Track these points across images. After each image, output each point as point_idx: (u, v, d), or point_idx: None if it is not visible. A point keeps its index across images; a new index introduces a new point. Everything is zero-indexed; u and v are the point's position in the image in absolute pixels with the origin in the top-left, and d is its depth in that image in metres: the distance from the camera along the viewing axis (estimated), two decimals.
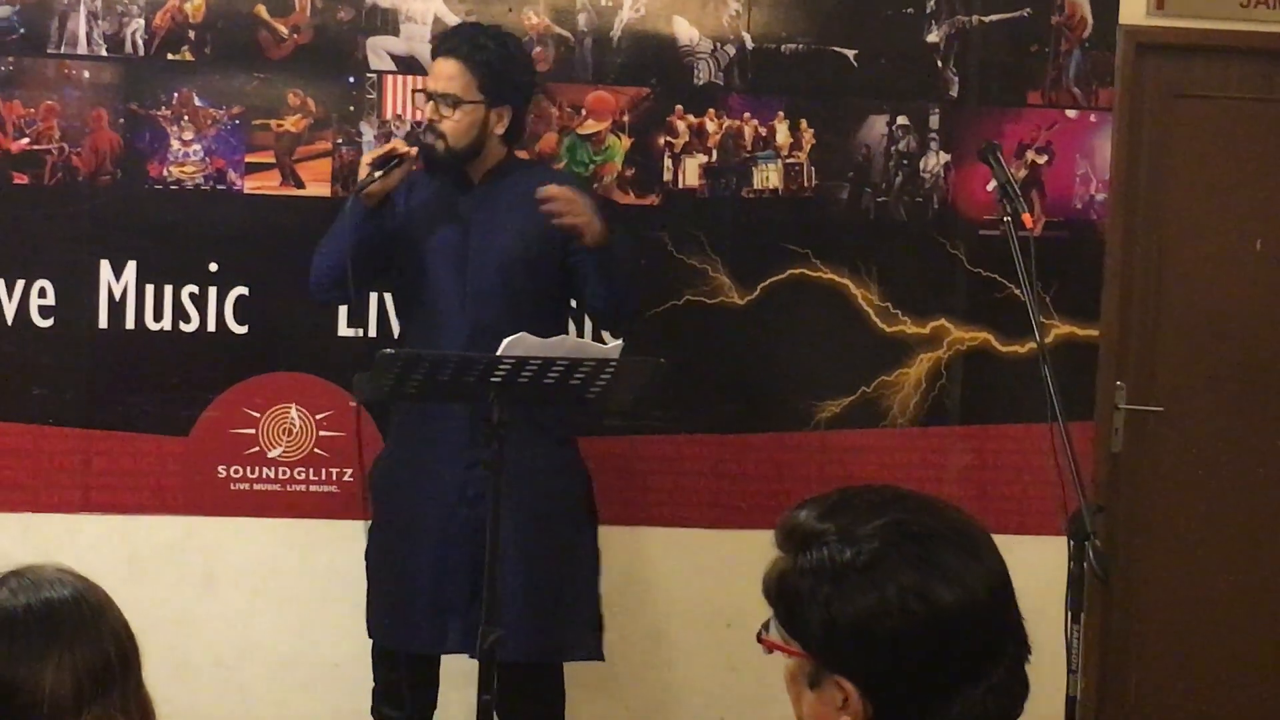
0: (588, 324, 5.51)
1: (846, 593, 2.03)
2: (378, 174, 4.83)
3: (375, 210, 4.88)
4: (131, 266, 5.47)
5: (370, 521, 5.09)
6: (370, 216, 4.86)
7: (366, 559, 5.08)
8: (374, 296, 5.46)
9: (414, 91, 5.32)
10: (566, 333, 5.13)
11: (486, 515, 4.68)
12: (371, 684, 5.10)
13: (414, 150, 4.87)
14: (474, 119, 4.92)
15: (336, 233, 4.93)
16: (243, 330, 5.53)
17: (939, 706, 2.02)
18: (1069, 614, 4.34)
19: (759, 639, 2.12)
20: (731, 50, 5.67)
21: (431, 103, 4.93)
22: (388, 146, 4.95)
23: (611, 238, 4.84)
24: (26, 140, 5.43)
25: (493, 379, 4.45)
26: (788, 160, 5.71)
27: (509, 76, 4.97)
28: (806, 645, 2.07)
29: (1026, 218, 4.73)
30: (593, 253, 4.84)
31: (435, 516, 4.91)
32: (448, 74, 4.92)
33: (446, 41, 5.05)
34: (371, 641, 5.09)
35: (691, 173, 5.68)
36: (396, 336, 5.35)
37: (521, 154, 5.28)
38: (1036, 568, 5.06)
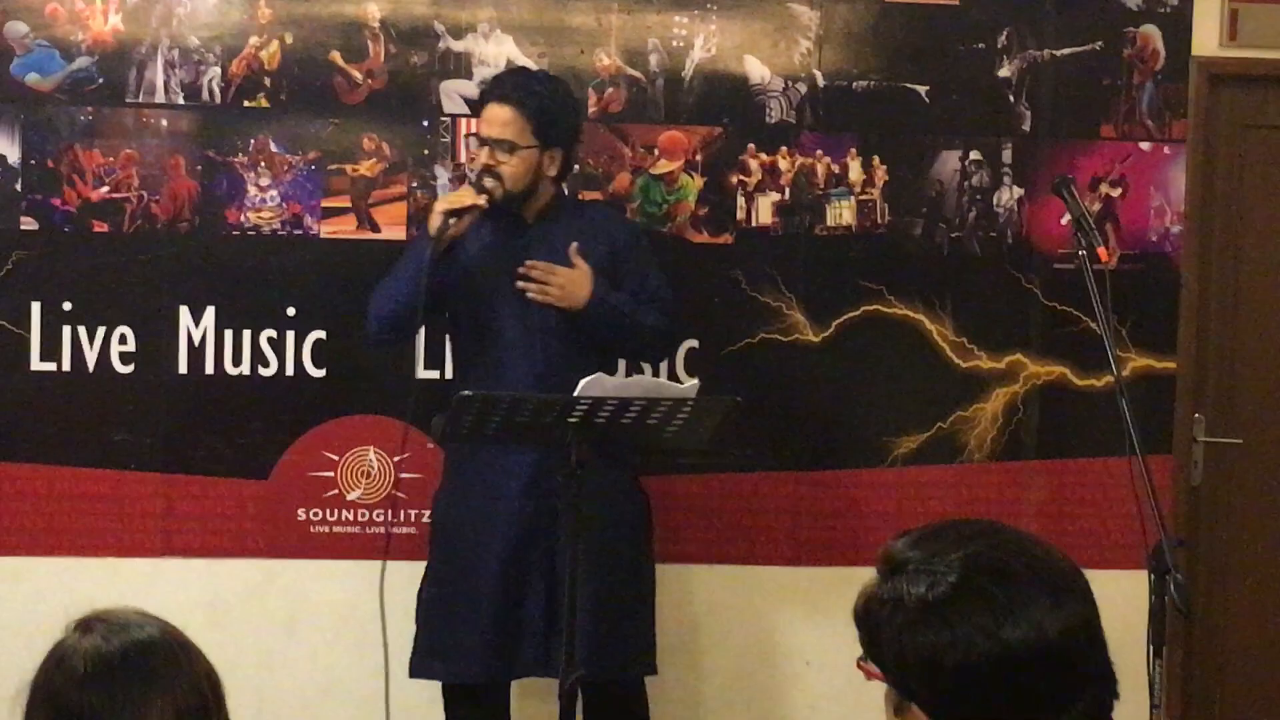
0: (663, 363, 5.55)
1: (917, 624, 2.05)
2: (452, 221, 4.90)
3: (444, 255, 4.94)
4: (210, 312, 5.52)
5: (428, 560, 5.15)
6: (440, 261, 4.92)
7: (421, 597, 5.13)
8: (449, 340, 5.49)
9: (466, 136, 5.36)
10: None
11: (558, 544, 4.87)
12: None
13: (483, 199, 4.93)
14: (529, 163, 5.00)
15: (401, 277, 5.02)
16: (321, 373, 5.56)
17: None
18: (1151, 649, 4.31)
19: (859, 665, 2.13)
20: (803, 88, 5.68)
21: (486, 148, 4.99)
22: (464, 198, 4.98)
23: (591, 302, 4.98)
24: (106, 188, 5.49)
25: (570, 419, 4.47)
26: (861, 197, 5.71)
27: (560, 120, 5.05)
28: (884, 671, 2.08)
29: (1102, 251, 4.73)
30: (578, 315, 4.99)
31: (506, 548, 4.95)
32: (502, 120, 4.99)
33: (499, 87, 5.11)
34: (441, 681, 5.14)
35: (765, 211, 5.69)
36: (452, 379, 5.36)
37: (591, 195, 5.34)
38: (1117, 602, 5.02)
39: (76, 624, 2.38)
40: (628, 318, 5.03)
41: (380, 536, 5.53)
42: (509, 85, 5.09)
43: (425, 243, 4.96)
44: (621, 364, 5.46)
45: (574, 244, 4.99)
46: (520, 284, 4.98)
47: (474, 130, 5.17)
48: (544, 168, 5.04)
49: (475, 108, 5.24)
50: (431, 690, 5.24)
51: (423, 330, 5.30)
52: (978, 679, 2.01)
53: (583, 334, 5.01)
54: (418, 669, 5.12)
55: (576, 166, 5.41)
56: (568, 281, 4.97)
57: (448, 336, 5.36)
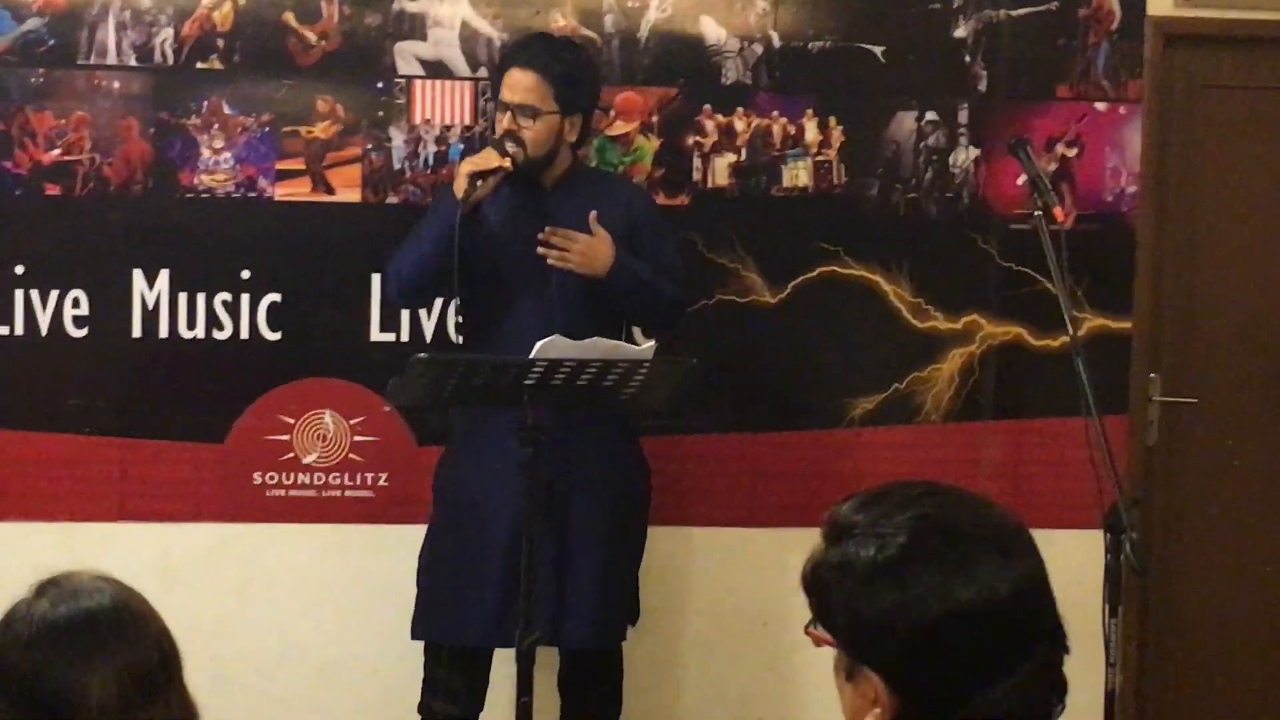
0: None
1: (867, 587, 2.05)
2: (479, 183, 4.90)
3: (469, 217, 4.93)
4: (164, 275, 5.49)
5: (430, 521, 5.15)
6: (466, 223, 4.91)
7: (423, 558, 5.13)
8: None
9: (485, 101, 5.32)
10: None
11: (570, 509, 4.93)
12: (410, 685, 5.13)
13: (508, 161, 4.92)
14: (551, 128, 5.01)
15: (425, 239, 5.01)
16: (276, 337, 5.54)
17: (962, 702, 2.02)
18: (1107, 608, 4.34)
19: (806, 631, 2.13)
20: (759, 49, 5.67)
21: (509, 113, 4.98)
22: (489, 160, 4.97)
23: (614, 268, 4.97)
24: (58, 151, 5.45)
25: (526, 381, 4.47)
26: (817, 158, 5.71)
27: (582, 85, 5.07)
28: (836, 637, 2.08)
29: (1057, 211, 4.75)
30: (600, 282, 4.97)
31: (518, 512, 4.94)
32: (525, 85, 4.99)
33: (522, 53, 5.10)
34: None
35: (721, 172, 5.68)
36: (465, 344, 5.32)
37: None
38: (1073, 562, 5.05)
39: (36, 586, 2.39)
40: (648, 286, 5.03)
41: (336, 500, 5.53)
42: (533, 51, 5.09)
43: (450, 205, 4.93)
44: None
45: (593, 212, 4.98)
46: (541, 250, 4.97)
47: (495, 95, 5.15)
48: (565, 133, 5.05)
49: (496, 72, 5.23)
50: (388, 654, 5.24)
51: (376, 294, 5.35)
52: (931, 640, 2.01)
53: (603, 301, 5.00)
54: (419, 630, 5.12)
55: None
56: (588, 248, 4.96)
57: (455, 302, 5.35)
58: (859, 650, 2.06)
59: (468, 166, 4.98)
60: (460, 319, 5.22)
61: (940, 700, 2.03)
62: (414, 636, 5.12)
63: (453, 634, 5.08)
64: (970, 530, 2.06)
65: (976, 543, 2.04)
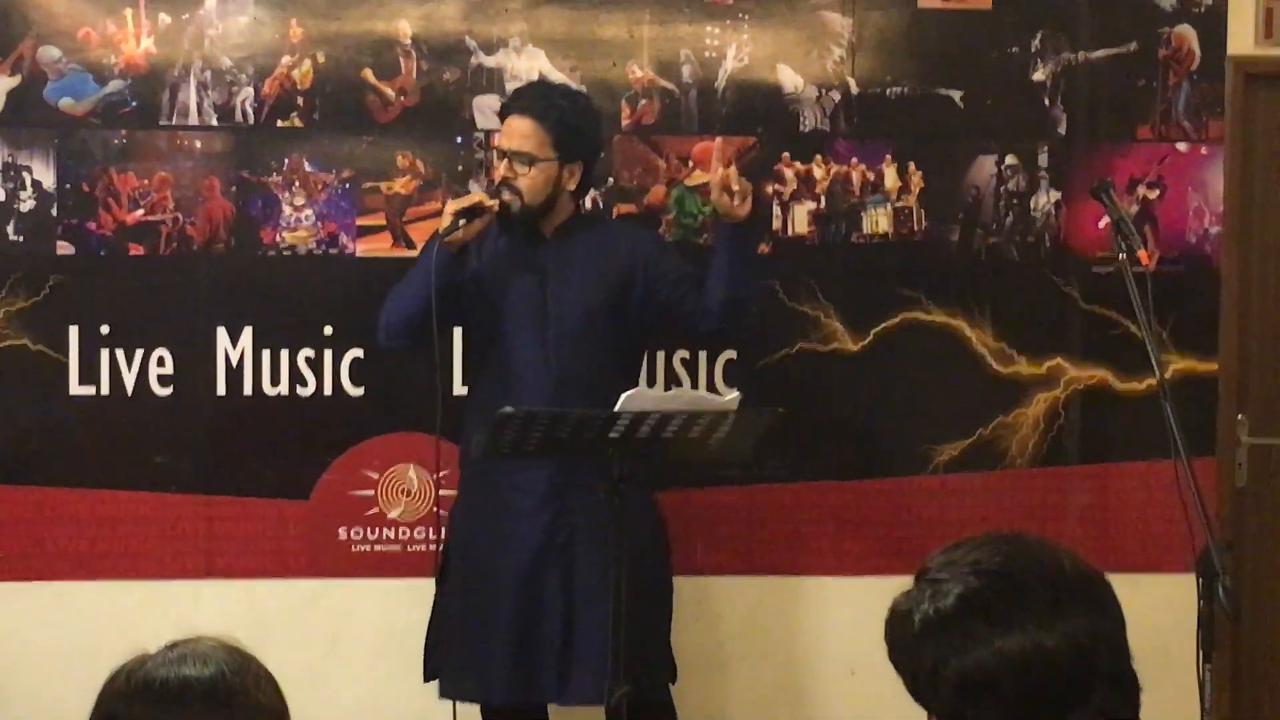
0: (702, 375, 5.53)
1: (922, 636, 2.10)
2: (461, 222, 4.91)
3: (454, 258, 4.95)
4: (248, 333, 5.52)
5: (440, 575, 5.16)
6: (450, 264, 4.92)
7: (436, 615, 5.15)
8: None
9: (488, 149, 5.35)
10: (637, 380, 5.14)
11: (575, 561, 4.88)
12: None
13: (495, 203, 4.93)
14: (548, 176, 4.99)
15: (412, 280, 5.03)
16: (359, 392, 5.56)
17: None
18: (1200, 653, 4.28)
19: None
20: (836, 96, 5.67)
21: (506, 160, 5.00)
22: (474, 198, 5.02)
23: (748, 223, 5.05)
24: (141, 211, 5.50)
25: (612, 435, 4.46)
26: (897, 204, 5.69)
27: (581, 133, 5.04)
28: (903, 680, 2.12)
29: (1142, 254, 4.70)
30: (728, 236, 5.00)
31: (522, 564, 4.93)
32: (522, 132, 4.99)
33: (519, 100, 5.11)
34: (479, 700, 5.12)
35: (801, 220, 5.67)
36: (469, 392, 5.37)
37: (625, 208, 5.33)
38: (1165, 606, 5.02)
39: (169, 643, 2.45)
40: (756, 258, 5.12)
41: (422, 554, 5.53)
42: (530, 98, 5.09)
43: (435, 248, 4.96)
44: (646, 377, 5.46)
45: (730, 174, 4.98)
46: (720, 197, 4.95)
47: (495, 143, 5.18)
48: (563, 181, 5.03)
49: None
50: (474, 708, 5.23)
51: (458, 348, 5.35)
52: (980, 688, 2.04)
53: (598, 344, 4.99)
54: (445, 689, 5.12)
55: (611, 180, 5.44)
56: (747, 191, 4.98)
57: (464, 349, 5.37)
58: (920, 696, 2.08)
59: (452, 206, 5.00)
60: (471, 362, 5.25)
61: None
62: (441, 695, 5.12)
63: (478, 693, 5.06)
64: (1027, 581, 2.07)
65: (1028, 594, 2.06)
